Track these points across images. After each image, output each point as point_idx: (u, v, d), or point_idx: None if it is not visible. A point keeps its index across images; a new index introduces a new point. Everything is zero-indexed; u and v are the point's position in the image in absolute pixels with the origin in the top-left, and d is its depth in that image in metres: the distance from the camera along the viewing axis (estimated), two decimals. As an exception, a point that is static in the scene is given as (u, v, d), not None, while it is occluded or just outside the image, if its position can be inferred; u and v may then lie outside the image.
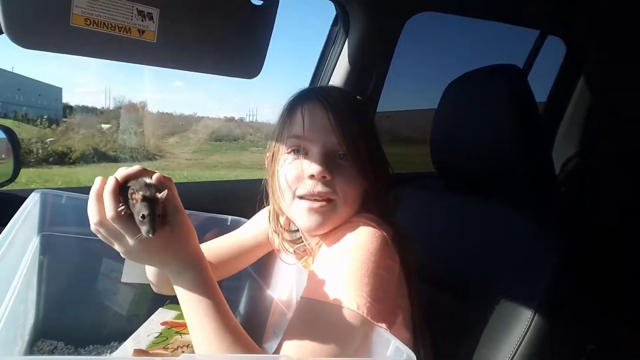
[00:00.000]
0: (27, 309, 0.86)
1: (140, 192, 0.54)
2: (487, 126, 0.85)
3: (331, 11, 1.30)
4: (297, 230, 0.79)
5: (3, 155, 1.14)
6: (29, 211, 0.78)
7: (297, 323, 0.59)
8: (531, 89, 0.82)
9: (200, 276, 0.59)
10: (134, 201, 0.54)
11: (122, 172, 0.58)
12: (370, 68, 1.31)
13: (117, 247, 0.57)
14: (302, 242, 0.78)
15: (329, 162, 0.67)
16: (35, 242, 0.85)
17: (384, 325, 0.56)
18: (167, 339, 0.75)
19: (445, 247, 0.87)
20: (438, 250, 0.85)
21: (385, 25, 1.27)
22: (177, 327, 0.79)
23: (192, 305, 0.58)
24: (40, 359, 0.75)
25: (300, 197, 0.68)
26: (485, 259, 0.81)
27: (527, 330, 0.69)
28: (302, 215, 0.68)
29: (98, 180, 0.57)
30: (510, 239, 0.78)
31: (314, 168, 0.65)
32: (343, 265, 0.60)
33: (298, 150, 0.69)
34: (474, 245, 0.84)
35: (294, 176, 0.68)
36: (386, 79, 1.35)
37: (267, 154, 0.76)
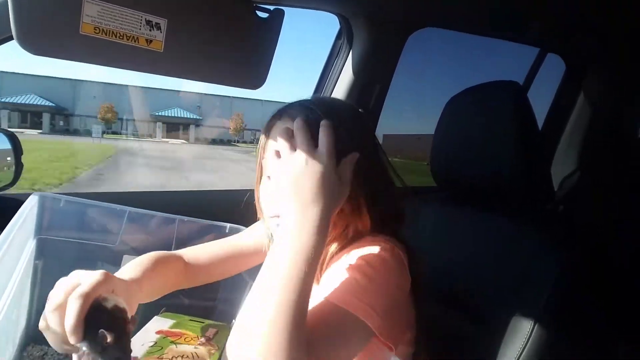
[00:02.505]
0: (20, 313, 0.85)
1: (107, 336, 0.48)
2: (487, 141, 0.86)
3: (335, 24, 1.33)
4: None
5: (9, 159, 1.15)
6: (27, 214, 0.78)
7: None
8: (531, 106, 0.82)
9: None
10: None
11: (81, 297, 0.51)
12: (372, 81, 1.32)
13: None
14: None
15: None
16: (31, 246, 0.85)
17: (389, 343, 0.56)
18: (162, 348, 0.74)
19: (443, 261, 0.88)
20: (437, 264, 0.85)
21: (388, 40, 1.28)
22: (172, 337, 0.79)
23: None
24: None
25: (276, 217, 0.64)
26: (484, 272, 0.81)
27: (526, 344, 0.69)
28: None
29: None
30: (509, 253, 0.79)
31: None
32: (361, 277, 0.58)
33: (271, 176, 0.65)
34: (473, 259, 0.84)
35: (271, 199, 0.66)
36: (388, 93, 1.36)
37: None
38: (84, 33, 0.68)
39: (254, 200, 0.75)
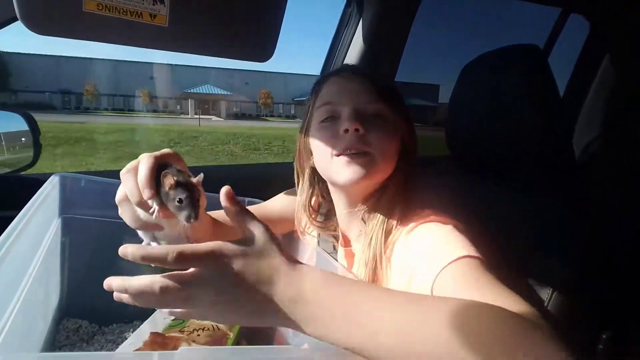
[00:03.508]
0: (50, 289, 0.89)
1: (174, 177, 0.47)
2: (505, 109, 0.83)
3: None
4: (329, 213, 0.82)
5: (23, 139, 1.17)
6: (48, 194, 0.80)
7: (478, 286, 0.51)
8: (551, 70, 0.79)
9: (323, 277, 0.45)
10: (167, 188, 0.48)
11: (152, 156, 0.52)
12: (384, 49, 1.28)
13: (183, 303, 0.44)
14: (329, 225, 0.82)
15: (361, 118, 0.69)
16: (56, 224, 0.87)
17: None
18: (184, 321, 0.76)
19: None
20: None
21: (400, 5, 1.23)
22: (193, 309, 0.81)
23: (356, 322, 0.41)
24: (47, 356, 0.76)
25: (338, 155, 0.69)
26: (501, 242, 0.80)
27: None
28: (341, 169, 0.68)
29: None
30: (527, 223, 0.77)
31: (347, 123, 0.68)
32: (442, 235, 0.61)
33: (330, 117, 0.72)
34: (490, 229, 0.83)
35: (328, 136, 0.70)
36: (401, 60, 1.32)
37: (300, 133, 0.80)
38: (88, 10, 0.66)
39: (271, 174, 0.76)
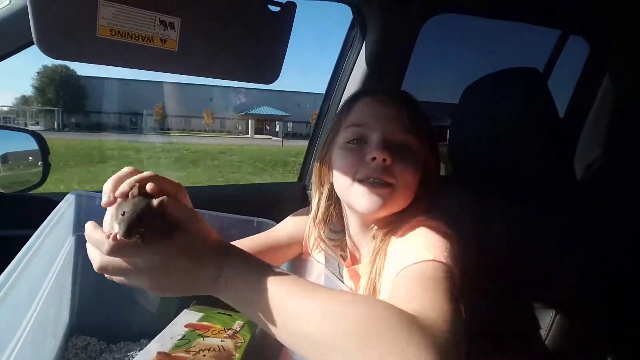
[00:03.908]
0: (62, 307, 0.89)
1: (134, 191, 0.47)
2: (505, 129, 0.84)
3: (348, 15, 1.31)
4: (340, 232, 0.82)
5: (30, 158, 1.19)
6: (64, 212, 0.81)
7: (403, 292, 0.54)
8: (550, 92, 0.80)
9: (241, 258, 0.50)
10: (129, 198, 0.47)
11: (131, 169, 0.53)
12: (387, 71, 1.31)
13: (135, 278, 0.48)
14: (339, 243, 0.82)
15: (389, 148, 0.68)
16: (70, 242, 0.88)
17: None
18: (190, 341, 0.76)
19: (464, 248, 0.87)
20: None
21: (402, 28, 1.26)
22: (200, 330, 0.81)
23: (263, 297, 0.46)
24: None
25: (360, 181, 0.69)
26: (502, 259, 0.80)
27: (548, 333, 0.68)
28: (361, 197, 0.68)
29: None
30: (529, 240, 0.78)
31: (376, 151, 0.67)
32: (422, 237, 0.62)
33: (357, 140, 0.71)
34: (491, 247, 0.83)
35: (354, 160, 0.70)
36: (403, 82, 1.35)
37: (321, 149, 0.80)
38: (101, 35, 0.69)
39: (280, 194, 0.77)
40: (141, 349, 0.83)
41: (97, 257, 0.48)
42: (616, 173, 1.33)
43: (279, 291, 0.46)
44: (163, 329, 0.80)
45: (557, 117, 0.82)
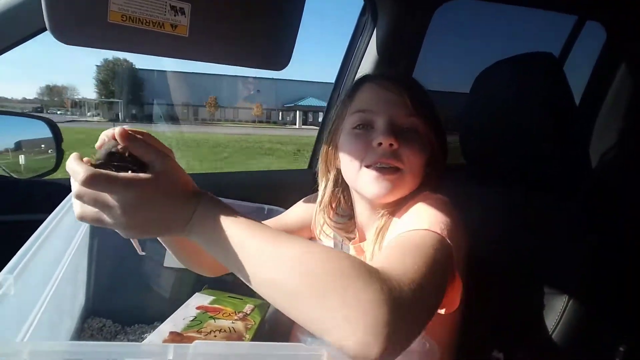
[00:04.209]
0: (78, 289, 0.92)
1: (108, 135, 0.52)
2: (520, 117, 0.83)
3: (359, 1, 1.30)
4: (347, 216, 0.82)
5: (43, 146, 1.21)
6: None
7: (385, 253, 0.55)
8: (566, 78, 0.79)
9: (213, 202, 0.51)
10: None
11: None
12: (398, 58, 1.29)
13: (108, 213, 0.48)
14: (347, 226, 0.82)
15: (395, 132, 0.68)
16: (85, 226, 0.90)
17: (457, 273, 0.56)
18: (201, 323, 0.78)
19: (476, 238, 0.87)
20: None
21: (414, 15, 1.25)
22: (212, 312, 0.82)
23: (231, 240, 0.47)
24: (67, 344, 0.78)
25: (367, 166, 0.69)
26: (516, 250, 0.80)
27: (558, 323, 0.68)
28: (370, 183, 0.69)
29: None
30: (543, 230, 0.77)
31: (382, 136, 0.67)
32: (422, 209, 0.63)
33: (363, 125, 0.71)
34: (505, 237, 0.82)
35: (361, 146, 0.70)
36: (415, 69, 1.33)
37: (326, 135, 0.80)
38: (112, 21, 0.69)
39: (290, 181, 0.77)
40: (154, 330, 0.85)
41: (74, 185, 0.49)
42: (631, 162, 1.30)
43: (248, 238, 0.47)
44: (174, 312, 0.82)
45: (574, 104, 0.81)
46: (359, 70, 1.33)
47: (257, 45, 0.83)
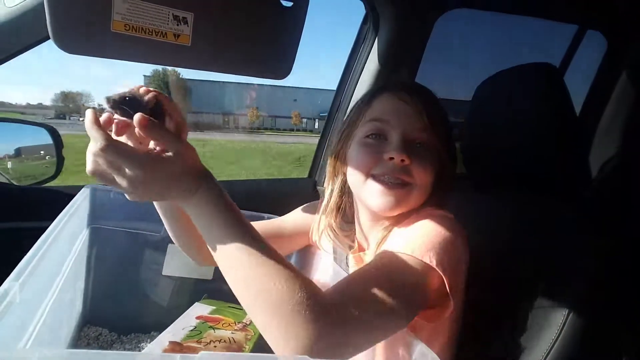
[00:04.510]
0: (75, 297, 0.91)
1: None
2: (521, 127, 0.83)
3: (361, 10, 1.30)
4: (351, 223, 0.82)
5: (42, 152, 1.21)
6: (79, 205, 0.83)
7: (365, 269, 0.57)
8: (567, 88, 0.79)
9: (217, 187, 0.56)
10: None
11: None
12: (400, 66, 1.30)
13: (119, 178, 0.52)
14: (349, 233, 0.81)
15: (408, 148, 0.68)
16: (85, 234, 0.90)
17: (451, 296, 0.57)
18: (201, 332, 0.77)
19: (473, 248, 0.86)
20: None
21: (416, 24, 1.25)
22: (212, 322, 0.82)
23: (217, 221, 0.53)
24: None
25: (375, 177, 0.68)
26: (515, 260, 0.79)
27: (559, 335, 0.67)
28: (375, 195, 0.68)
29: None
30: (542, 241, 0.76)
31: (395, 151, 0.67)
32: (419, 229, 0.63)
33: (376, 135, 0.71)
34: (506, 247, 0.82)
35: (371, 156, 0.69)
36: (416, 78, 1.33)
37: (336, 139, 0.80)
38: (115, 30, 0.69)
39: (289, 190, 0.77)
40: (152, 340, 0.85)
41: (92, 148, 0.51)
42: (633, 169, 1.30)
43: (232, 234, 0.52)
44: (173, 322, 0.82)
45: (574, 114, 0.81)
46: (360, 79, 1.33)
47: (258, 55, 0.84)
